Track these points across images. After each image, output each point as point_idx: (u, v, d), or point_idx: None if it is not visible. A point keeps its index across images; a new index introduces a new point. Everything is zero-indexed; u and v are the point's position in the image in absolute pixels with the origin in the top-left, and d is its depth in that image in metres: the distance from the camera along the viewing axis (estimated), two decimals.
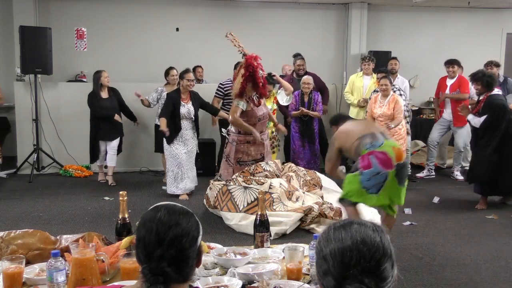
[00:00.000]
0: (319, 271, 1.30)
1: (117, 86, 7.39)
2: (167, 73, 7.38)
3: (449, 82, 7.66)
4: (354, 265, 1.22)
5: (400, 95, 6.96)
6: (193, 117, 6.42)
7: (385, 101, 6.69)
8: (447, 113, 7.68)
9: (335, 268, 1.24)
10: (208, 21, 9.61)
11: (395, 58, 8.30)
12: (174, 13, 9.53)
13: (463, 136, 7.61)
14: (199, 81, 8.81)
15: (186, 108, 6.32)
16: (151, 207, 1.63)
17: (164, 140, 6.38)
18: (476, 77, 6.05)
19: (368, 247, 1.24)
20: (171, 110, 6.26)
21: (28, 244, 2.39)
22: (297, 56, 8.01)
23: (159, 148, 7.08)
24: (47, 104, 7.76)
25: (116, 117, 7.08)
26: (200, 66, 8.80)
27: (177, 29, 9.59)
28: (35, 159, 7.57)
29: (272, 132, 6.87)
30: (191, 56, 9.17)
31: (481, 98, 6.09)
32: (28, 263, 2.31)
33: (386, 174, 3.99)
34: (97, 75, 7.07)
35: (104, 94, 7.08)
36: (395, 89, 7.13)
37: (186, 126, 6.36)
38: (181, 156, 6.30)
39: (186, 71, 6.44)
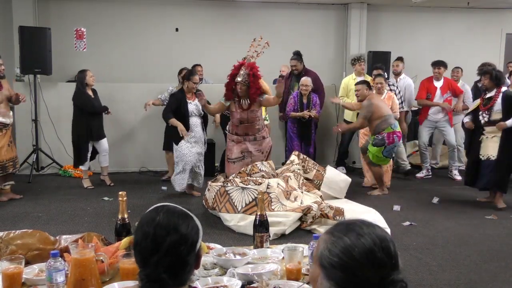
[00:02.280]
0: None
1: (117, 86, 7.38)
2: (180, 72, 7.39)
3: (438, 84, 7.71)
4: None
5: (396, 94, 7.31)
6: (202, 113, 6.39)
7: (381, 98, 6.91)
8: (433, 114, 7.73)
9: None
10: (207, 21, 9.62)
11: (398, 59, 8.27)
12: (174, 13, 9.53)
13: (452, 134, 7.77)
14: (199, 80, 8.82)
15: (194, 104, 6.28)
16: (151, 208, 1.59)
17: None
18: (486, 70, 5.96)
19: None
20: (174, 108, 6.24)
21: (28, 245, 2.38)
22: (293, 55, 7.87)
23: (168, 146, 7.01)
24: (47, 105, 7.75)
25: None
26: (200, 65, 8.80)
27: (177, 29, 9.59)
28: (34, 160, 7.57)
29: None
30: (191, 56, 9.16)
31: (491, 94, 5.97)
32: (28, 263, 2.31)
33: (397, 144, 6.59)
34: (82, 74, 6.82)
35: (90, 94, 6.91)
36: (392, 87, 7.41)
37: (195, 123, 6.31)
38: (189, 156, 6.21)
39: (194, 73, 6.45)
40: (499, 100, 5.86)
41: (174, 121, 6.20)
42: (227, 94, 5.95)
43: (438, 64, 7.69)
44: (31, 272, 2.26)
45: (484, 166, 6.01)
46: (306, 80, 7.39)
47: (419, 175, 7.83)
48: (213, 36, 9.54)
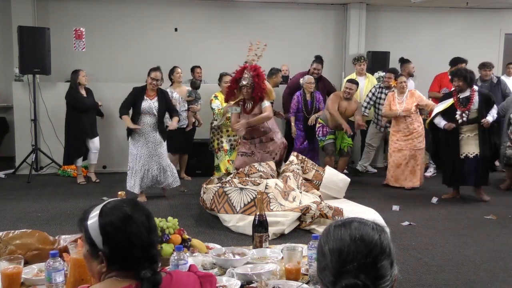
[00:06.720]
0: (319, 267, 1.32)
1: (115, 86, 7.37)
2: (171, 71, 7.40)
3: None
4: (351, 261, 1.24)
5: None
6: (156, 113, 6.13)
7: (403, 98, 7.12)
8: None
9: (333, 263, 1.26)
10: (206, 21, 9.62)
11: (406, 61, 8.20)
12: (173, 13, 9.54)
13: None
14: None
15: (148, 103, 6.09)
16: (106, 209, 1.54)
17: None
18: (460, 73, 6.24)
19: (365, 244, 1.26)
20: (129, 103, 6.13)
21: (27, 244, 2.38)
22: (317, 59, 8.06)
23: (170, 148, 6.82)
24: (46, 104, 7.74)
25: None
26: (199, 67, 8.80)
27: (176, 29, 9.59)
28: (33, 159, 7.56)
29: (234, 136, 6.98)
30: (190, 56, 9.17)
31: (466, 94, 6.17)
32: (27, 263, 2.31)
33: None
34: (75, 74, 7.07)
35: (83, 93, 7.12)
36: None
37: (147, 121, 6.11)
38: (135, 152, 6.10)
39: (154, 69, 6.21)
40: (476, 98, 6.16)
41: (125, 118, 6.08)
42: (227, 96, 6.03)
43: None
44: (30, 272, 2.26)
45: (470, 163, 6.18)
46: (311, 78, 7.57)
47: (427, 174, 7.88)
48: (212, 36, 9.55)
